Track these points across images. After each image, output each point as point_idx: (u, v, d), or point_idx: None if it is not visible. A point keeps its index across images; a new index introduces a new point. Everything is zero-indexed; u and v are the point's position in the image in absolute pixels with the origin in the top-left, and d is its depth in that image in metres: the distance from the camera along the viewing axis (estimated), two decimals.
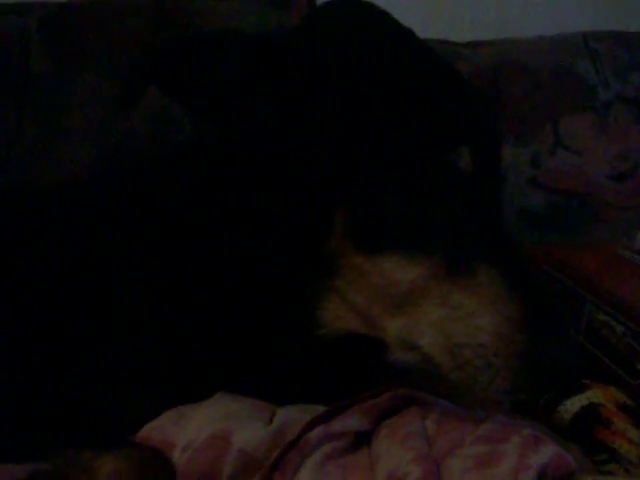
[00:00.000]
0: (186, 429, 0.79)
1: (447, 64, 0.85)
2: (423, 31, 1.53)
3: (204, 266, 0.87)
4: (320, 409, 0.79)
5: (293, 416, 0.80)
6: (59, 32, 1.45)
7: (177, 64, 0.78)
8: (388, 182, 0.74)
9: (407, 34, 0.87)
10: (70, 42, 1.43)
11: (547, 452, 0.69)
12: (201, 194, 0.89)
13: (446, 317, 0.74)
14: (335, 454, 0.74)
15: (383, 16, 0.89)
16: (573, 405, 0.95)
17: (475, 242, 0.76)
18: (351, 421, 0.77)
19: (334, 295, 0.81)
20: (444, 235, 0.75)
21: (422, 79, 0.79)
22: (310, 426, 0.75)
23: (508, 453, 0.68)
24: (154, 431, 0.80)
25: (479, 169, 0.76)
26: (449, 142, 0.76)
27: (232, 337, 0.87)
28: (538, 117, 1.62)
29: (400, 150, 0.74)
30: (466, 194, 0.76)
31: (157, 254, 0.90)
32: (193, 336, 0.87)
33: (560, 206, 1.63)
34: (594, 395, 0.96)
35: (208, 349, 0.87)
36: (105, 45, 1.42)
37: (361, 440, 0.78)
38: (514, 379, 0.71)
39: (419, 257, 0.75)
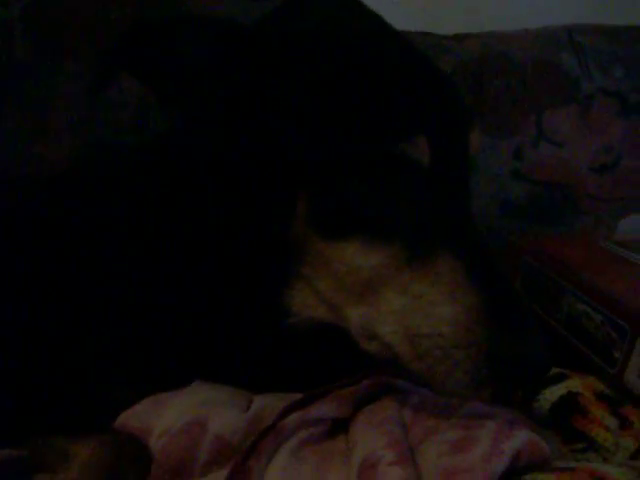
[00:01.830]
0: (163, 416, 0.79)
1: (412, 51, 0.84)
2: (408, 24, 1.54)
3: (176, 255, 0.87)
4: (298, 397, 0.79)
5: (270, 403, 0.80)
6: (42, 21, 1.43)
7: (146, 48, 0.78)
8: (346, 167, 0.74)
9: (375, 20, 0.88)
10: (53, 31, 1.42)
11: (521, 438, 0.69)
12: (169, 181, 0.89)
13: (406, 306, 0.74)
14: (311, 440, 0.75)
15: (354, 4, 0.89)
16: (552, 394, 0.95)
17: (437, 231, 0.75)
18: (328, 408, 0.77)
19: (302, 282, 0.81)
20: (405, 223, 0.75)
21: (382, 66, 0.78)
22: (286, 412, 0.75)
23: (482, 438, 0.68)
24: (132, 418, 0.80)
25: (438, 158, 0.76)
26: (403, 129, 0.75)
27: (205, 325, 0.87)
28: (521, 109, 1.62)
29: (355, 135, 0.74)
30: (429, 183, 0.76)
31: (129, 247, 0.90)
32: (169, 324, 0.87)
33: (542, 198, 1.64)
34: (573, 384, 0.96)
35: (184, 337, 0.87)
36: (88, 34, 1.41)
37: (339, 427, 0.78)
38: (474, 372, 0.70)
39: (379, 244, 0.75)
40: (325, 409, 0.77)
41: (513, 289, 0.75)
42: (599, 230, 1.61)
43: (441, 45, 1.64)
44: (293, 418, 0.74)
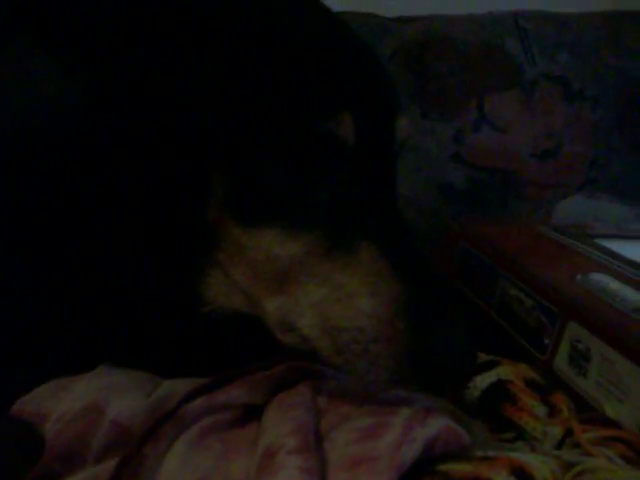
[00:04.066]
0: (62, 401, 0.74)
1: (335, 22, 0.80)
2: (353, 4, 1.51)
3: (83, 236, 0.81)
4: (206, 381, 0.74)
5: (177, 388, 0.75)
6: None
7: (42, 8, 0.70)
8: (261, 148, 0.69)
9: None
10: None
11: (436, 425, 0.65)
12: (76, 158, 0.81)
13: (325, 298, 0.70)
14: (217, 427, 0.70)
15: None
16: (482, 382, 0.92)
17: (359, 218, 0.71)
18: (237, 393, 0.72)
19: (217, 270, 0.77)
20: (326, 210, 0.71)
21: (302, 35, 0.74)
22: (190, 397, 0.70)
23: (393, 425, 0.64)
24: (29, 403, 0.75)
25: (364, 140, 0.71)
26: (326, 105, 0.70)
27: (115, 307, 0.81)
28: (463, 93, 1.60)
29: (272, 112, 0.69)
30: (352, 167, 0.72)
31: (39, 226, 0.83)
32: (76, 307, 0.82)
33: (482, 183, 1.62)
34: (503, 372, 0.93)
35: (92, 319, 0.82)
36: None
37: (253, 414, 0.73)
38: (395, 368, 0.66)
39: (298, 232, 0.70)
40: (234, 394, 0.72)
41: (438, 281, 0.71)
42: (537, 215, 1.61)
43: (384, 26, 1.61)
44: (197, 403, 0.69)
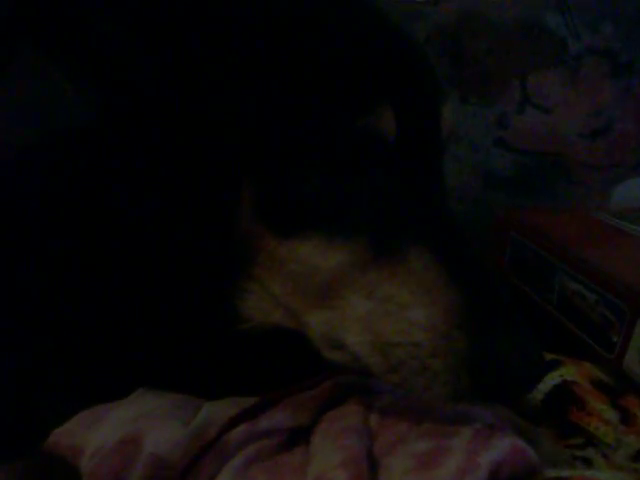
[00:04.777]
0: (98, 432, 0.69)
1: (375, 13, 0.73)
2: None
3: (114, 258, 0.77)
4: (250, 402, 0.69)
5: (218, 412, 0.70)
6: None
7: (50, 16, 0.65)
8: (297, 149, 0.64)
9: None
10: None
11: (501, 447, 0.59)
12: (96, 174, 0.77)
13: (374, 311, 0.64)
14: (262, 455, 0.65)
15: None
16: (545, 384, 0.87)
17: (407, 222, 0.66)
18: (282, 416, 0.67)
19: (254, 285, 0.72)
20: (369, 215, 0.66)
21: (332, 24, 0.68)
22: (232, 424, 0.65)
23: (454, 450, 0.58)
24: (63, 436, 0.71)
25: (407, 133, 0.66)
26: (365, 99, 0.64)
27: (150, 328, 0.77)
28: (504, 74, 1.55)
29: (307, 109, 0.64)
30: (396, 164, 0.66)
31: (63, 249, 0.79)
32: (109, 330, 0.77)
33: (530, 168, 1.57)
34: (567, 372, 0.88)
35: (127, 343, 0.77)
36: None
37: (299, 437, 0.68)
38: (455, 383, 0.60)
39: (340, 241, 0.65)
40: (278, 418, 0.67)
41: (497, 286, 0.66)
42: (592, 200, 1.56)
43: (416, 10, 1.56)
44: (240, 431, 0.65)
